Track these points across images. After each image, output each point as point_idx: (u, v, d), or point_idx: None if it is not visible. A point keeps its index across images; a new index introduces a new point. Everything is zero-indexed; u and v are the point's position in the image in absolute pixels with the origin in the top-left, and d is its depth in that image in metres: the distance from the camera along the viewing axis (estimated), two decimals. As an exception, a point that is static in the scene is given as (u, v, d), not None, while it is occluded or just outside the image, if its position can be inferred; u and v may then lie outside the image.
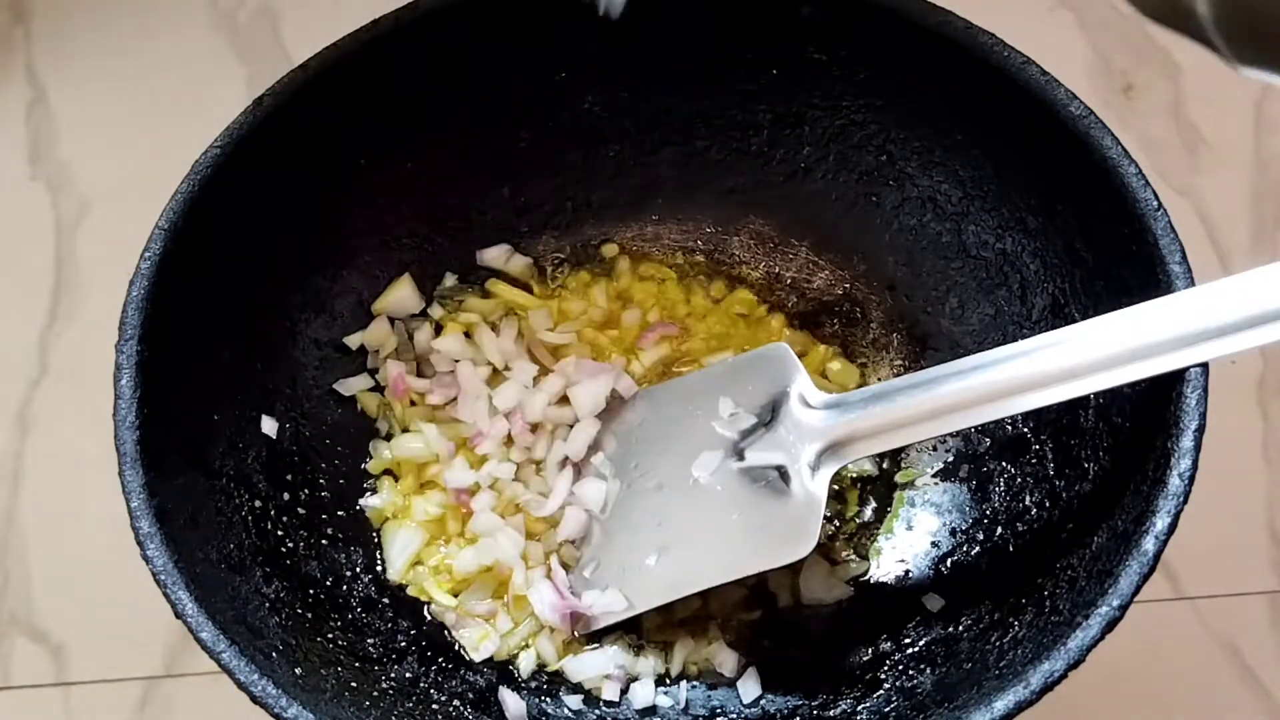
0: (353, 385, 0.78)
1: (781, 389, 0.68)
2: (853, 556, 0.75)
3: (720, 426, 0.70)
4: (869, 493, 0.77)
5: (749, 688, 0.71)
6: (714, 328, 0.81)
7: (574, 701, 0.71)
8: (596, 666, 0.71)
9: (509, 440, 0.76)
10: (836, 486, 0.76)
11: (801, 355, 0.80)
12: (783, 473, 0.66)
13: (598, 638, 0.72)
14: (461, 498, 0.75)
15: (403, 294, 0.79)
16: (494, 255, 0.82)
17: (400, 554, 0.74)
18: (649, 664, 0.72)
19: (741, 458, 0.69)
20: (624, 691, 0.71)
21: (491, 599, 0.73)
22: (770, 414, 0.68)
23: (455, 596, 0.73)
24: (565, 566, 0.73)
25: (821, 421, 0.66)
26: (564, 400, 0.77)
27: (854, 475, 0.77)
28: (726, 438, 0.70)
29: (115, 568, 0.65)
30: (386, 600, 0.73)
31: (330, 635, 0.68)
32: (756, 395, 0.69)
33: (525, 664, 0.72)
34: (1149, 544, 0.57)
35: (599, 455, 0.74)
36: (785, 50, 0.75)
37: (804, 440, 0.66)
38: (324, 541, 0.73)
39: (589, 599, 0.71)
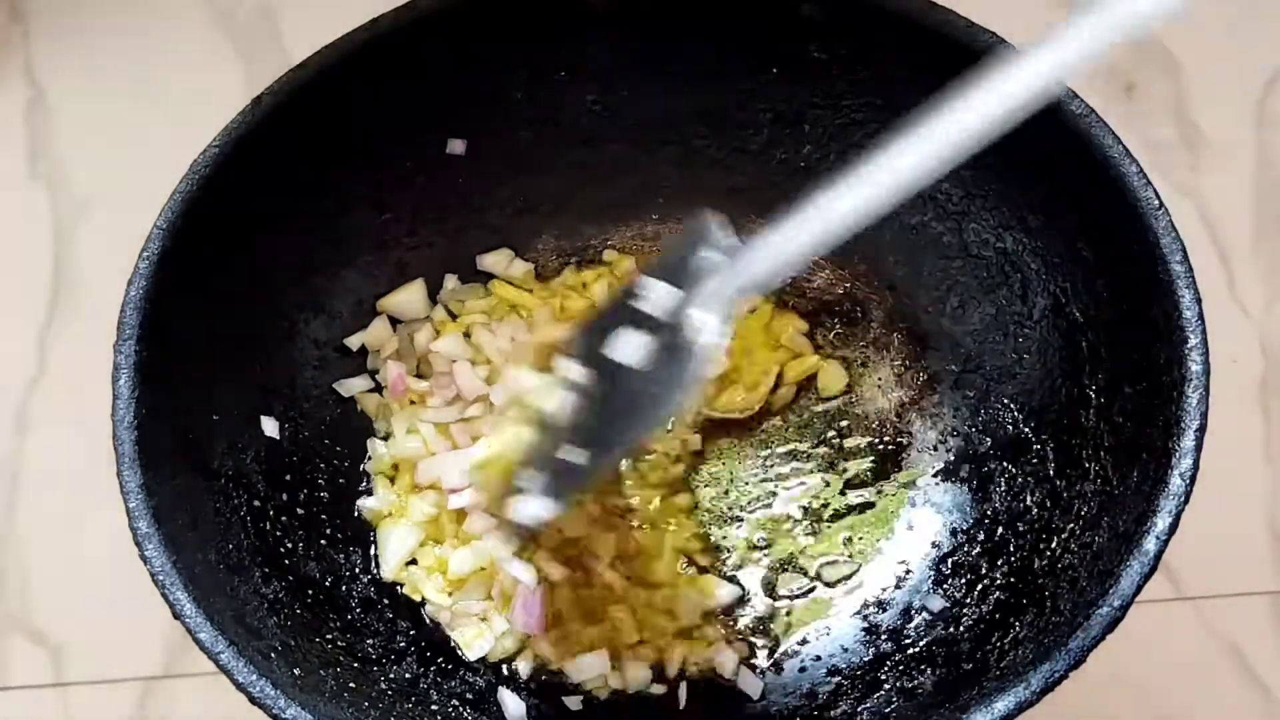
0: (352, 386, 0.78)
1: (693, 254, 0.65)
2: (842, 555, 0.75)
3: (643, 305, 0.66)
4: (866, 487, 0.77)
5: (749, 688, 0.71)
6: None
7: (573, 702, 0.71)
8: (596, 667, 0.71)
9: None
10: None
11: (797, 356, 0.80)
12: (682, 328, 0.63)
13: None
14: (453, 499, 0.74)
15: (411, 297, 0.79)
16: (494, 260, 0.82)
17: (394, 553, 0.74)
18: (644, 672, 0.72)
19: (662, 330, 0.66)
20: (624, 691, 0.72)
21: (486, 599, 0.73)
22: (685, 279, 0.65)
23: (450, 596, 0.73)
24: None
25: (716, 272, 0.63)
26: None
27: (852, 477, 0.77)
28: (647, 316, 0.66)
29: (114, 568, 0.65)
30: (385, 601, 0.73)
31: (329, 636, 0.68)
32: (678, 269, 0.66)
33: (524, 667, 0.72)
34: (1150, 544, 0.57)
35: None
36: (785, 49, 0.75)
37: (701, 293, 0.63)
38: (323, 542, 0.73)
39: (517, 508, 0.69)
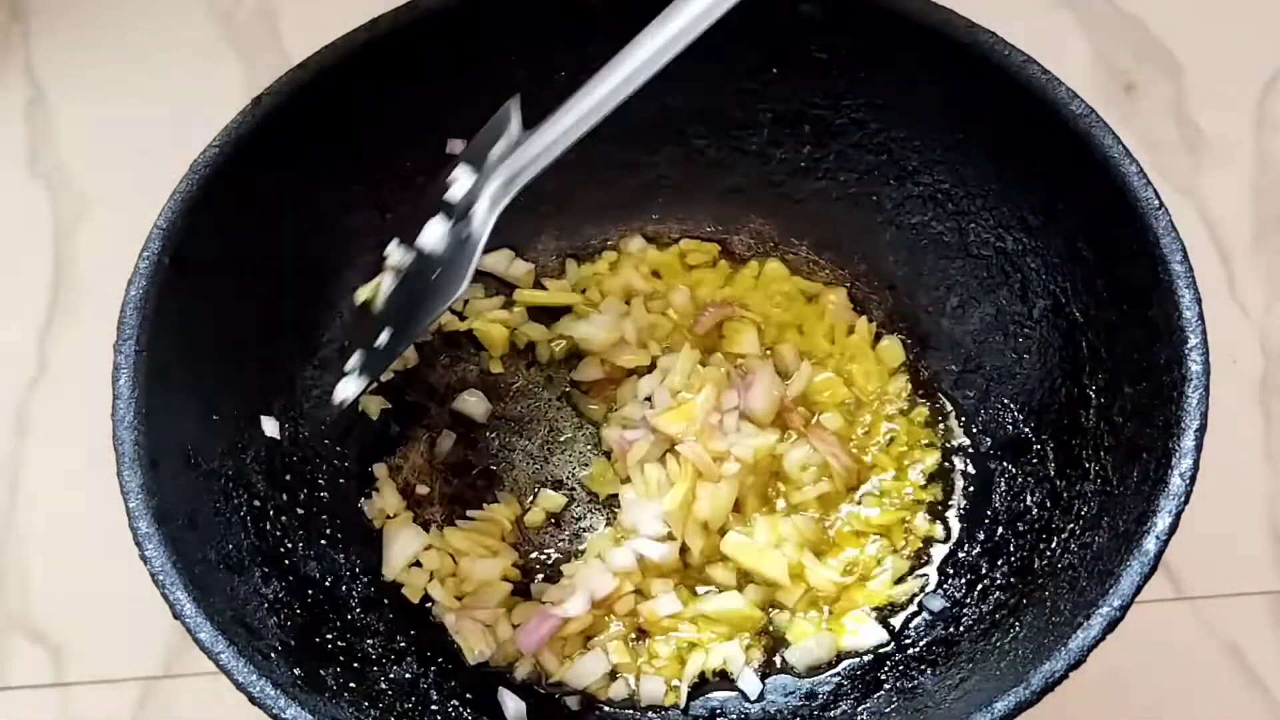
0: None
1: (494, 139, 0.67)
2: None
3: (449, 194, 0.68)
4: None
5: (749, 688, 0.71)
6: (772, 312, 0.81)
7: (573, 702, 0.71)
8: (594, 670, 0.71)
9: None
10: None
11: (852, 331, 0.80)
12: (468, 217, 0.66)
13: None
14: None
15: None
16: (495, 261, 0.82)
17: (399, 554, 0.74)
18: (659, 686, 0.72)
19: (455, 216, 0.67)
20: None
21: (495, 607, 0.73)
22: (485, 168, 0.67)
23: (459, 600, 0.73)
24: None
25: (500, 161, 0.65)
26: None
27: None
28: (449, 203, 0.67)
29: (114, 568, 0.65)
30: (385, 601, 0.73)
31: (329, 636, 0.68)
32: (482, 155, 0.67)
33: (521, 671, 0.72)
34: (1150, 544, 0.57)
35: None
36: (785, 49, 0.75)
37: (487, 183, 0.65)
38: (323, 542, 0.73)
39: (338, 388, 0.70)
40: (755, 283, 0.82)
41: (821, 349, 0.80)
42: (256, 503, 0.70)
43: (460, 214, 0.66)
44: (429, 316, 0.66)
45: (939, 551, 0.75)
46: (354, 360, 0.70)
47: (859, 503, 0.76)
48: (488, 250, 0.81)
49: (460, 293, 0.63)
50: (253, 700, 0.57)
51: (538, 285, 0.83)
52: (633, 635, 0.73)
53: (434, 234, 0.67)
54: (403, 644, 0.71)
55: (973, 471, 0.76)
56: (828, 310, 0.81)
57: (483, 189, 0.64)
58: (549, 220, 0.83)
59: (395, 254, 0.70)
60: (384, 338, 0.68)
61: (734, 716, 0.71)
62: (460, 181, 0.66)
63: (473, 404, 0.80)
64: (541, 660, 0.71)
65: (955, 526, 0.75)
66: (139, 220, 0.66)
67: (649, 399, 0.78)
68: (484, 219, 0.64)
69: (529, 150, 0.63)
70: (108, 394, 0.62)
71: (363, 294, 0.71)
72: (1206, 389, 0.60)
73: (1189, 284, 0.62)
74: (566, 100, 0.62)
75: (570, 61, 0.76)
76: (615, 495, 0.76)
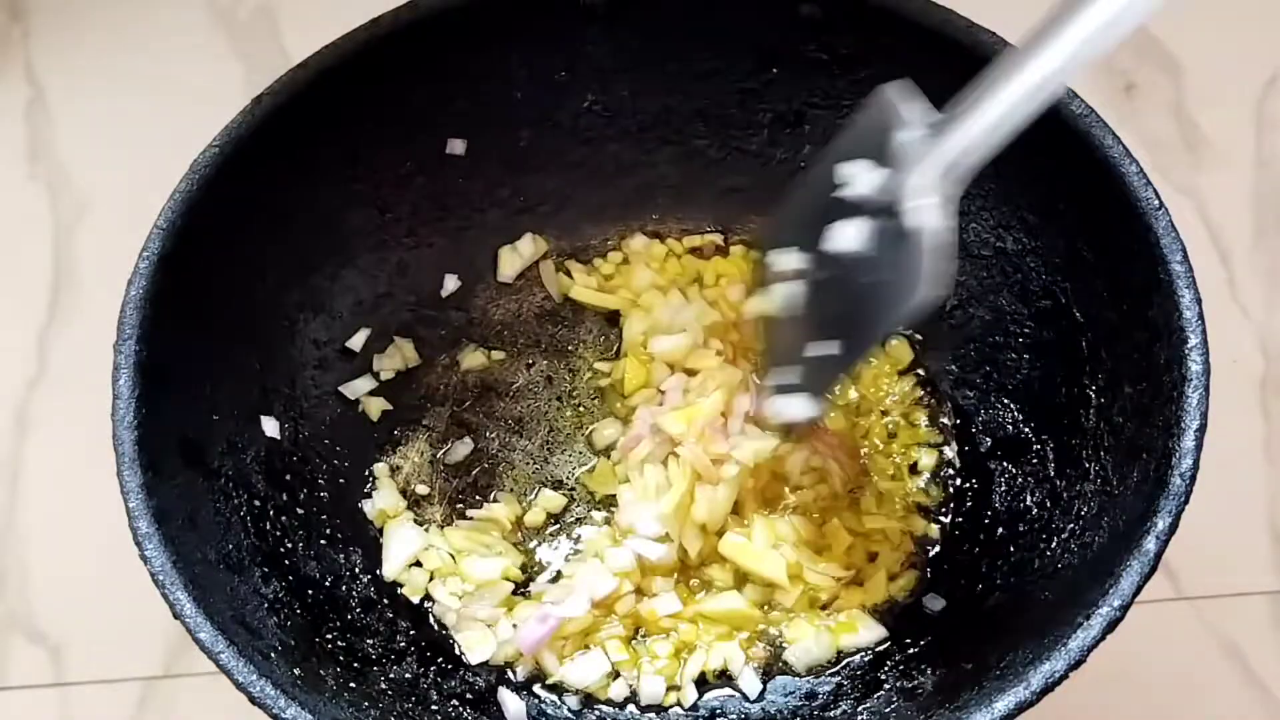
0: (357, 388, 0.78)
1: (889, 129, 0.60)
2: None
3: (851, 191, 0.62)
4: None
5: (750, 687, 0.71)
6: None
7: (573, 701, 0.71)
8: (595, 669, 0.71)
9: None
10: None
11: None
12: (901, 213, 0.59)
13: None
14: None
15: None
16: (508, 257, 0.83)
17: (399, 554, 0.74)
18: (658, 683, 0.72)
19: (871, 214, 0.62)
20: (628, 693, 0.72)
21: (496, 606, 0.73)
22: (885, 159, 0.61)
23: (460, 599, 0.73)
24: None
25: (927, 146, 0.58)
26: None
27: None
28: (858, 201, 0.62)
29: (114, 568, 0.65)
30: (385, 601, 0.73)
31: (329, 636, 0.68)
32: (872, 147, 0.62)
33: (521, 670, 0.72)
34: (1150, 544, 0.57)
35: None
36: (785, 49, 0.75)
37: (916, 173, 0.58)
38: (323, 542, 0.73)
39: (778, 406, 0.69)
40: None
41: None
42: (256, 503, 0.70)
43: (878, 211, 0.60)
44: (888, 319, 0.61)
45: (937, 551, 0.75)
46: (784, 377, 0.67)
47: (858, 503, 0.76)
48: (485, 246, 0.82)
49: (923, 292, 0.57)
50: (253, 700, 0.57)
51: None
52: (632, 635, 0.73)
53: (850, 235, 0.62)
54: (403, 644, 0.71)
55: (973, 471, 0.76)
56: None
57: (908, 182, 0.58)
58: (549, 220, 0.83)
59: (788, 260, 0.66)
60: (825, 348, 0.64)
61: (734, 716, 0.71)
62: (862, 178, 0.61)
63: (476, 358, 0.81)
64: (541, 660, 0.71)
65: (955, 527, 0.75)
66: (139, 220, 0.66)
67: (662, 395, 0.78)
68: (929, 213, 0.57)
69: (965, 134, 0.56)
70: (108, 394, 0.62)
71: (758, 307, 0.69)
72: (1206, 389, 0.60)
73: (1189, 284, 0.62)
74: (996, 71, 0.55)
75: (570, 61, 0.77)
76: (614, 495, 0.76)
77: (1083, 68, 0.52)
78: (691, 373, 0.78)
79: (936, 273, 0.56)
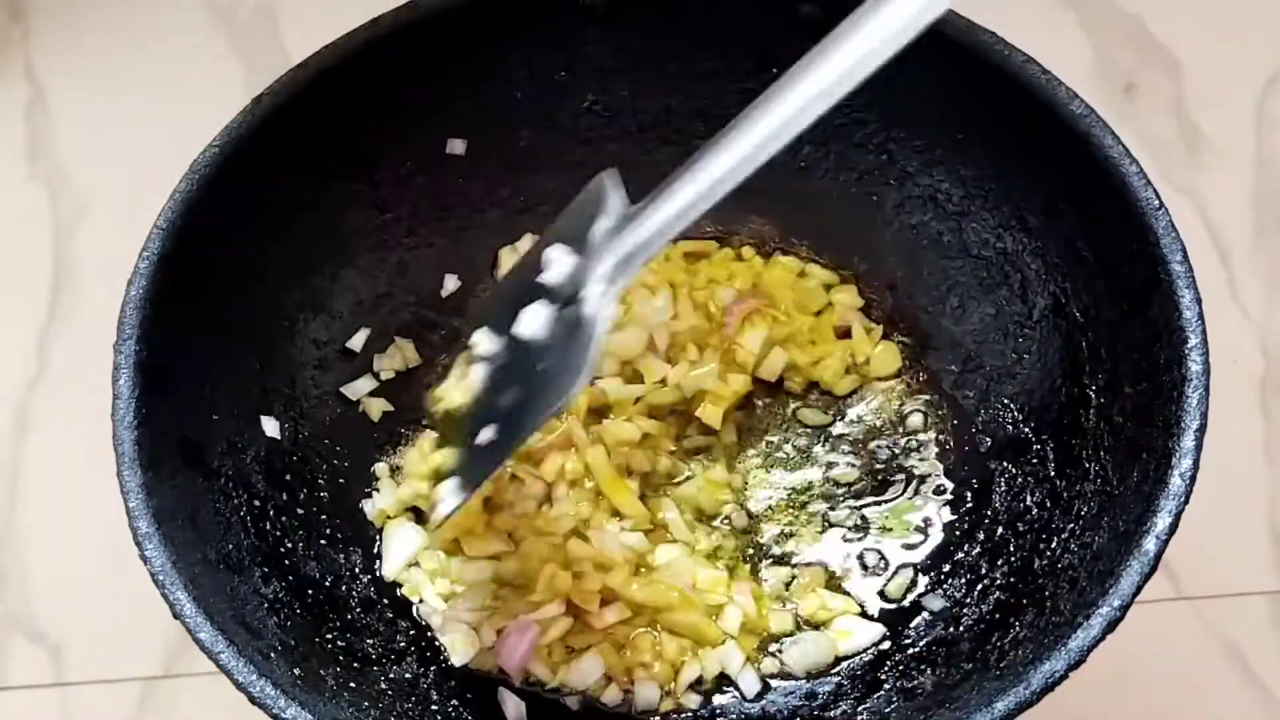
0: (358, 389, 0.78)
1: (593, 219, 0.62)
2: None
3: (546, 276, 0.63)
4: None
5: (750, 687, 0.71)
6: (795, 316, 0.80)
7: (573, 702, 0.71)
8: (592, 672, 0.71)
9: None
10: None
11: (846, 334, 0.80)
12: (578, 300, 0.60)
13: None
14: None
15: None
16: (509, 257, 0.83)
17: (398, 553, 0.74)
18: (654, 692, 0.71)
19: (557, 300, 0.63)
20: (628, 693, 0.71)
21: (482, 610, 0.73)
22: (587, 248, 0.62)
23: (447, 601, 0.73)
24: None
25: (613, 236, 0.60)
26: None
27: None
28: (549, 287, 0.63)
29: (114, 568, 0.65)
30: (385, 601, 0.73)
31: (329, 636, 0.68)
32: (580, 233, 0.63)
33: (518, 676, 0.72)
34: (1150, 544, 0.57)
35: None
36: (785, 49, 0.75)
37: (597, 260, 0.60)
38: (323, 542, 0.73)
39: (439, 497, 0.67)
40: (779, 277, 0.81)
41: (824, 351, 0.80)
42: (256, 503, 0.70)
43: (565, 299, 0.61)
44: (546, 409, 0.61)
45: (935, 551, 0.75)
46: (448, 460, 0.66)
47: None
48: (485, 246, 0.82)
49: (581, 383, 0.58)
50: (253, 700, 0.57)
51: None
52: (621, 645, 0.72)
53: (535, 321, 0.62)
54: (403, 644, 0.71)
55: (972, 472, 0.76)
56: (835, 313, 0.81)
57: (591, 271, 0.60)
58: (549, 220, 0.83)
59: (485, 342, 0.66)
60: (488, 434, 0.63)
61: (734, 716, 0.71)
62: (558, 264, 0.62)
63: None
64: (533, 671, 0.71)
65: (954, 526, 0.75)
66: (139, 220, 0.66)
67: None
68: (600, 303, 0.59)
69: (643, 229, 0.58)
70: (108, 394, 0.62)
71: (445, 393, 0.68)
72: (1206, 389, 0.60)
73: (1189, 284, 0.62)
74: (684, 166, 0.58)
75: (570, 61, 0.77)
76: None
77: (752, 166, 0.56)
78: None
79: (595, 362, 0.58)
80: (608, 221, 0.61)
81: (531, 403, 0.62)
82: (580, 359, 0.59)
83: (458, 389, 0.68)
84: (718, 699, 0.72)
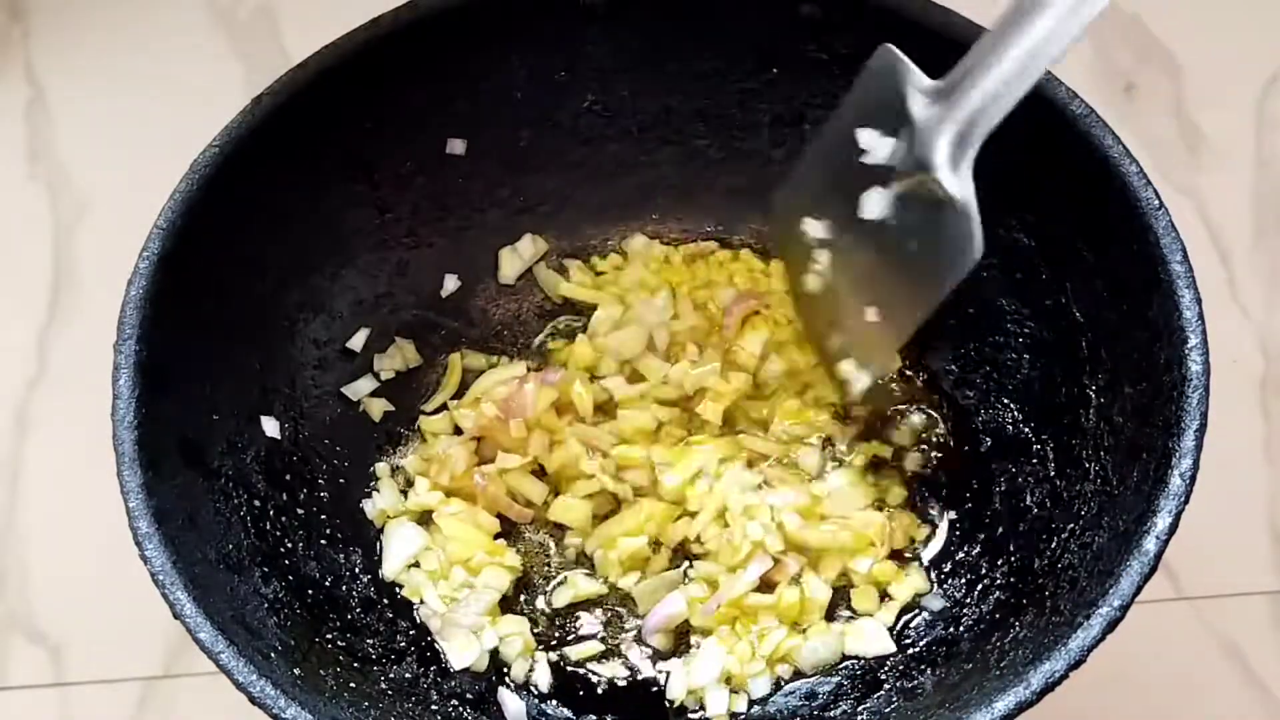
0: (359, 389, 0.78)
1: (899, 95, 0.62)
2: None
3: (869, 159, 0.64)
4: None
5: (757, 690, 0.71)
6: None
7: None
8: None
9: None
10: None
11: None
12: (927, 181, 0.61)
13: None
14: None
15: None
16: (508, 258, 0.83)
17: (399, 553, 0.74)
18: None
19: (895, 181, 0.63)
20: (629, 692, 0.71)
21: (484, 615, 0.73)
22: (899, 125, 0.62)
23: (447, 604, 0.73)
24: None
25: (939, 114, 0.60)
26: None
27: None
28: (878, 169, 0.63)
29: (114, 568, 0.65)
30: (385, 601, 0.73)
31: (329, 636, 0.68)
32: (884, 113, 0.63)
33: (518, 669, 0.72)
34: (1150, 544, 0.57)
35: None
36: (785, 49, 0.75)
37: (933, 140, 0.60)
38: (323, 542, 0.73)
39: (848, 371, 0.72)
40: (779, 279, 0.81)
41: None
42: (256, 503, 0.70)
43: (901, 178, 0.62)
44: (947, 281, 0.62)
45: (934, 551, 0.75)
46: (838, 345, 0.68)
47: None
48: (485, 246, 0.82)
49: (978, 253, 0.60)
50: (253, 700, 0.57)
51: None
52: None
53: (882, 203, 0.63)
54: (403, 644, 0.71)
55: (973, 472, 0.76)
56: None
57: (933, 149, 0.59)
58: (549, 220, 0.83)
59: (816, 229, 0.68)
60: (872, 316, 0.67)
61: (734, 716, 0.71)
62: (878, 147, 0.62)
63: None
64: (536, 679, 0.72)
65: (955, 526, 0.75)
66: (139, 220, 0.66)
67: None
68: (960, 183, 0.59)
69: (971, 101, 0.58)
70: (108, 394, 0.62)
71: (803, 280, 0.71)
72: (1206, 389, 0.60)
73: (1189, 284, 0.62)
74: (984, 45, 0.57)
75: (570, 61, 0.77)
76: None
77: (1080, 29, 0.54)
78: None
79: (980, 236, 0.59)
80: (922, 97, 0.61)
81: (916, 280, 0.65)
82: (966, 228, 0.60)
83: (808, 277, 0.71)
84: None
